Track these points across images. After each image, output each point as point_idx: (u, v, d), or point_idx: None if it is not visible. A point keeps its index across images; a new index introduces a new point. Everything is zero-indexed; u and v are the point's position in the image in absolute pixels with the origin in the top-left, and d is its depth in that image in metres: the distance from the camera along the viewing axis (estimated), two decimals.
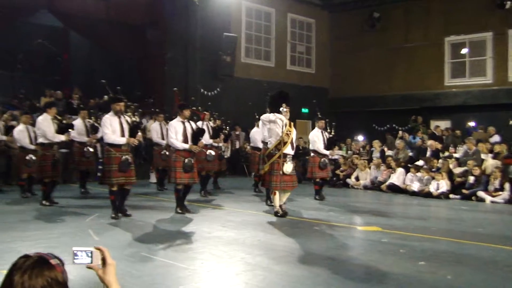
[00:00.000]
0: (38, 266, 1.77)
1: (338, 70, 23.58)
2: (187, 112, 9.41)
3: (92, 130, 11.92)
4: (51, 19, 17.96)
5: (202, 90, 18.77)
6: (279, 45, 22.48)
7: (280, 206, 9.17)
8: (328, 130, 12.15)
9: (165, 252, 6.21)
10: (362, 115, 21.45)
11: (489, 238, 7.56)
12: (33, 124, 11.09)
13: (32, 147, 10.90)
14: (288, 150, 9.06)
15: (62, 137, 10.12)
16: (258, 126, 12.38)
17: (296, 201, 11.29)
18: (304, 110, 20.89)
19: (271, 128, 9.10)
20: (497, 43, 19.31)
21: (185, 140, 9.21)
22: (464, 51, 20.34)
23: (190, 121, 9.63)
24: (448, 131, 17.88)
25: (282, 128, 8.97)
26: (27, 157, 10.92)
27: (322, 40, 23.95)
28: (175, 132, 9.19)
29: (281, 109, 9.07)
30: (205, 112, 12.89)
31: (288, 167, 9.01)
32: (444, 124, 19.46)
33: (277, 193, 9.11)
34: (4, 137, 12.15)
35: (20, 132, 11.12)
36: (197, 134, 9.36)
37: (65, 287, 1.82)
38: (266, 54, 22.20)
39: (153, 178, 14.44)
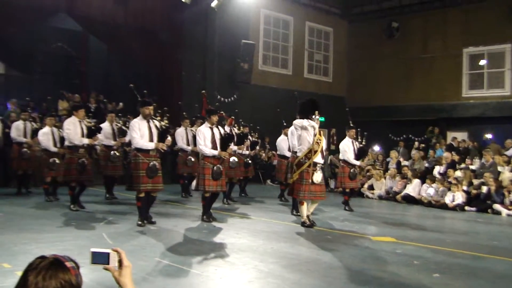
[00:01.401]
0: (53, 267, 1.78)
1: (355, 79, 23.52)
2: (215, 118, 9.19)
3: (120, 133, 11.78)
4: (70, 23, 18.13)
5: (219, 96, 18.81)
6: (297, 53, 22.46)
7: (308, 216, 9.07)
8: (359, 140, 12.02)
9: (178, 258, 6.23)
10: (379, 125, 21.27)
11: (505, 252, 7.50)
12: (57, 126, 11.17)
13: (56, 150, 10.96)
14: (318, 159, 8.93)
15: (86, 141, 9.93)
16: (285, 134, 12.25)
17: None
18: (321, 119, 20.78)
19: (302, 135, 8.95)
20: None
21: (214, 146, 9.04)
22: (483, 62, 20.16)
23: (219, 127, 9.48)
24: (465, 142, 17.72)
25: (313, 136, 8.87)
26: (51, 160, 10.97)
27: (340, 49, 23.91)
28: (204, 138, 8.97)
29: (313, 116, 8.99)
30: (231, 117, 12.84)
31: (318, 176, 8.87)
32: (461, 135, 19.27)
33: (305, 203, 8.99)
34: (24, 139, 12.16)
35: (45, 135, 11.17)
36: (226, 140, 9.24)
37: None
38: (284, 62, 22.19)
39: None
